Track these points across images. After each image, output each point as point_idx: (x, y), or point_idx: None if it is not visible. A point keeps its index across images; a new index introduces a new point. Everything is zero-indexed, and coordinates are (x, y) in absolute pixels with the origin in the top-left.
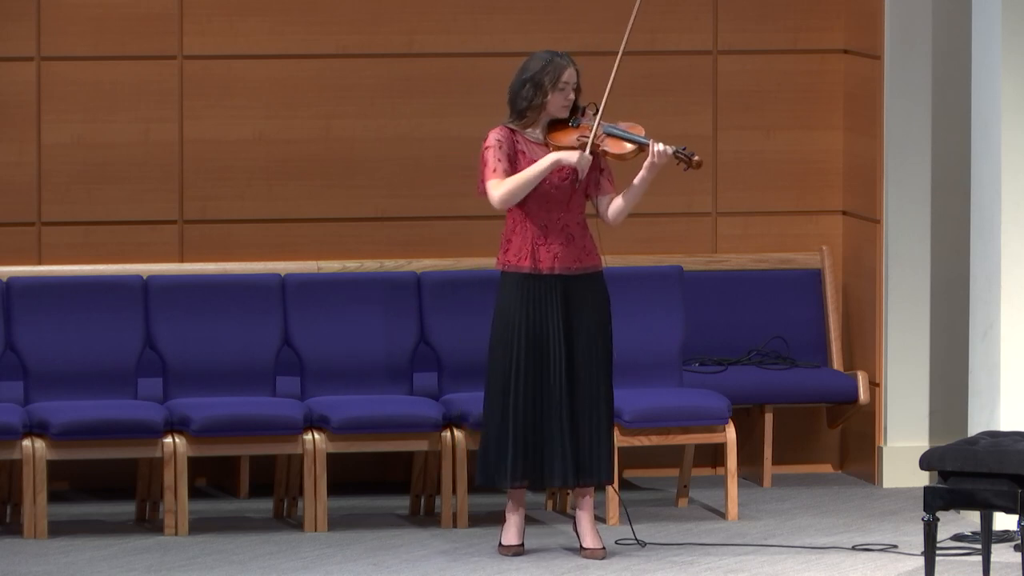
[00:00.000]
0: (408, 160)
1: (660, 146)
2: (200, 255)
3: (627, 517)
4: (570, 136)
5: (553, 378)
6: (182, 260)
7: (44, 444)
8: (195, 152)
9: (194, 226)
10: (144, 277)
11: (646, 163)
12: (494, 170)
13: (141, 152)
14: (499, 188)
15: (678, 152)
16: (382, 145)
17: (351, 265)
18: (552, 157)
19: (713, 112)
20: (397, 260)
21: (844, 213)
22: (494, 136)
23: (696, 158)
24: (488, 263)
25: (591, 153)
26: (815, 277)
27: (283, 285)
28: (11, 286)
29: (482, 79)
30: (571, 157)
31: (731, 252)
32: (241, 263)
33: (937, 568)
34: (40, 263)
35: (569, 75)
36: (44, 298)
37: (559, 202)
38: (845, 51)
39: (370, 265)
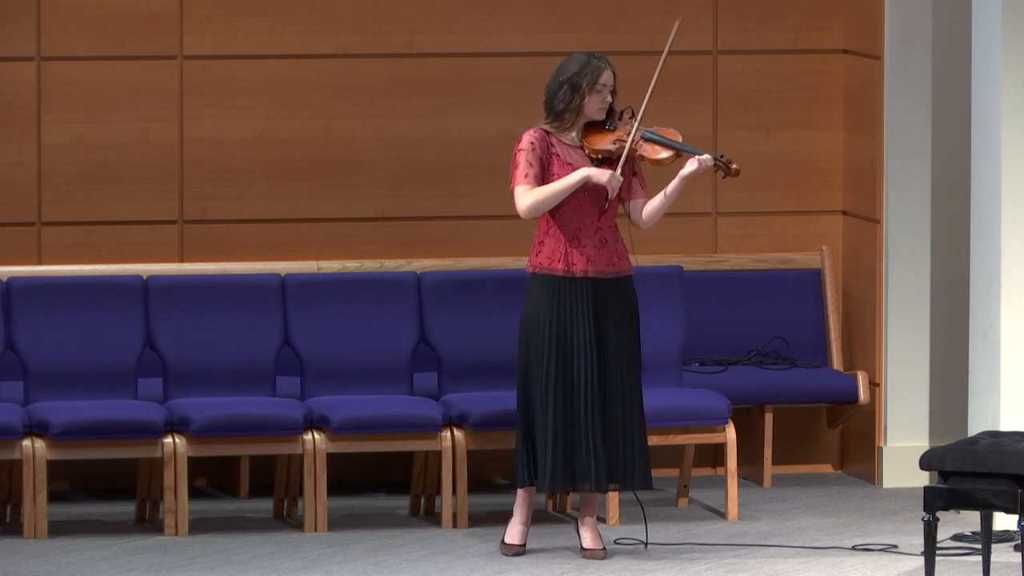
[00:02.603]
0: (408, 160)
1: (702, 154)
2: (200, 255)
3: (644, 518)
4: (606, 139)
5: (584, 382)
6: (182, 260)
7: (44, 444)
8: (195, 152)
9: (194, 226)
10: (144, 277)
11: (683, 170)
12: (525, 175)
13: (141, 152)
14: (527, 198)
15: (716, 160)
16: (382, 145)
17: (351, 265)
18: (583, 172)
19: (713, 112)
20: (397, 260)
21: (844, 213)
22: (527, 139)
23: (734, 166)
24: (489, 263)
25: (628, 157)
26: (815, 277)
27: (283, 285)
28: (11, 286)
29: (482, 79)
30: (602, 176)
31: (731, 252)
32: (241, 263)
33: (937, 568)
34: (40, 263)
35: (606, 77)
36: (44, 298)
37: (592, 205)
38: (845, 51)
39: (370, 265)
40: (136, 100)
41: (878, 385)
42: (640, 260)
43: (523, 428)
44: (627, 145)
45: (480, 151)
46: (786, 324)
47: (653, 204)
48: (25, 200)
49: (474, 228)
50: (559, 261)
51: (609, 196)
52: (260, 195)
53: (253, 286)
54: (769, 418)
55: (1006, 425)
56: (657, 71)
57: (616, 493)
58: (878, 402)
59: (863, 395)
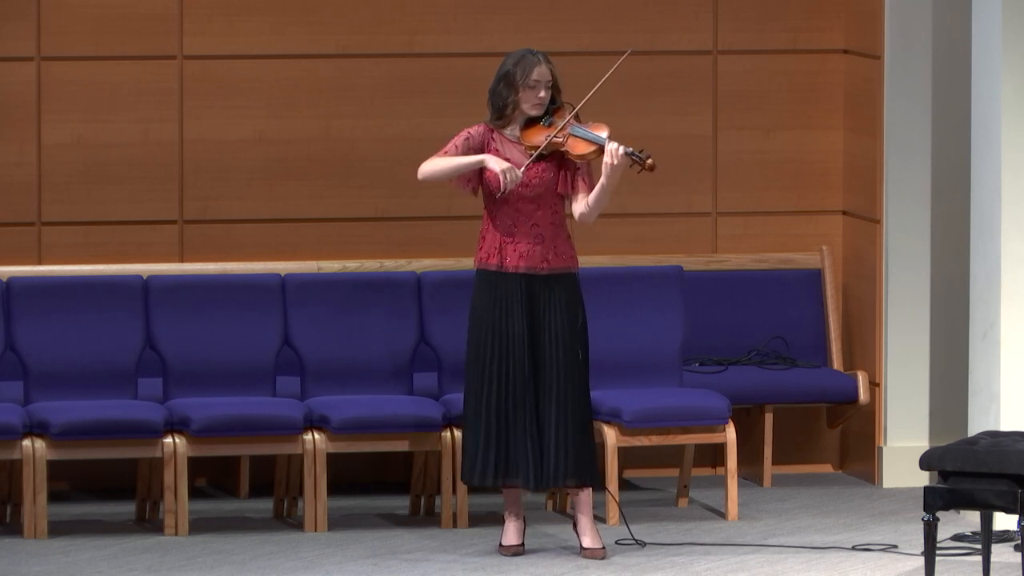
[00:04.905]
0: (408, 160)
1: (614, 146)
2: (200, 255)
3: (621, 517)
4: (540, 135)
5: (518, 378)
6: (182, 260)
7: (44, 444)
8: (195, 152)
9: (194, 226)
10: (144, 277)
11: (603, 164)
12: (444, 152)
13: (141, 152)
14: (426, 164)
15: (632, 154)
16: (382, 145)
17: (351, 265)
18: (480, 157)
19: (713, 112)
20: (397, 260)
21: (844, 213)
22: (468, 130)
23: (649, 161)
24: None
25: (555, 153)
26: (815, 277)
27: (283, 285)
28: (11, 286)
29: (482, 79)
30: (497, 165)
31: (731, 252)
32: (241, 263)
33: (937, 568)
34: (40, 263)
35: (540, 73)
36: (44, 298)
37: (529, 201)
38: (845, 51)
39: (370, 265)
40: (136, 100)
41: (878, 385)
42: (640, 260)
43: (464, 425)
44: (555, 141)
45: None
46: (786, 324)
47: (584, 204)
48: (25, 200)
49: (474, 228)
50: (494, 256)
51: (502, 188)
52: (260, 195)
53: (253, 286)
54: (769, 418)
55: (1006, 425)
56: (603, 79)
57: (614, 493)
58: (878, 402)
59: (863, 395)
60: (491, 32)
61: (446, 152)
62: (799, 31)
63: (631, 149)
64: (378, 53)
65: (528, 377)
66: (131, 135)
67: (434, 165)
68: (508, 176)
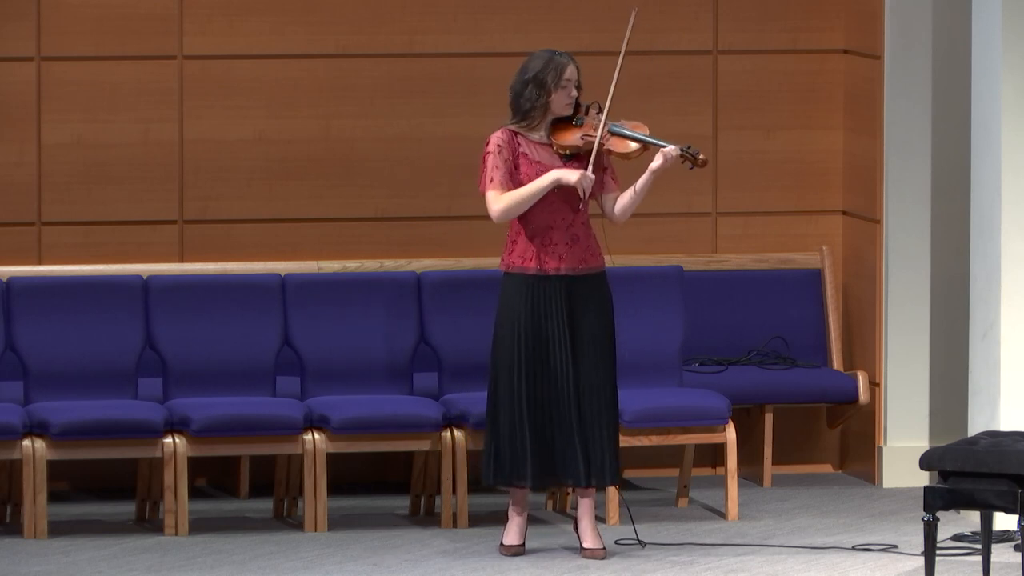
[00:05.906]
0: (408, 160)
1: (668, 146)
2: (200, 255)
3: (630, 517)
4: (574, 135)
5: (561, 379)
6: (182, 260)
7: (44, 444)
8: (195, 152)
9: (194, 226)
10: (144, 277)
11: (653, 163)
12: (491, 180)
13: (141, 152)
14: (498, 203)
15: (683, 151)
16: (382, 145)
17: (351, 265)
18: (553, 175)
19: (713, 112)
20: (397, 260)
21: (844, 213)
22: (495, 141)
23: (701, 156)
24: (489, 263)
25: (597, 152)
26: (815, 277)
27: (283, 285)
28: (11, 286)
29: (482, 79)
30: (571, 177)
31: (731, 252)
32: (241, 263)
33: (937, 568)
34: (40, 263)
35: (571, 72)
36: (44, 298)
37: (563, 203)
38: (845, 51)
39: (370, 265)
40: (136, 100)
41: (878, 385)
42: (640, 260)
43: (492, 427)
44: (595, 140)
45: (479, 151)
46: (786, 324)
47: (624, 199)
48: (25, 200)
49: (474, 228)
50: (531, 260)
51: (582, 196)
52: (260, 195)
53: (253, 286)
54: (769, 418)
55: (1006, 425)
56: (619, 64)
57: (616, 493)
58: (878, 402)
59: (863, 395)
60: (491, 32)
61: (492, 181)
62: (799, 31)
63: (681, 146)
64: (378, 53)
65: (569, 378)
66: (131, 135)
67: (507, 203)
68: (584, 182)
